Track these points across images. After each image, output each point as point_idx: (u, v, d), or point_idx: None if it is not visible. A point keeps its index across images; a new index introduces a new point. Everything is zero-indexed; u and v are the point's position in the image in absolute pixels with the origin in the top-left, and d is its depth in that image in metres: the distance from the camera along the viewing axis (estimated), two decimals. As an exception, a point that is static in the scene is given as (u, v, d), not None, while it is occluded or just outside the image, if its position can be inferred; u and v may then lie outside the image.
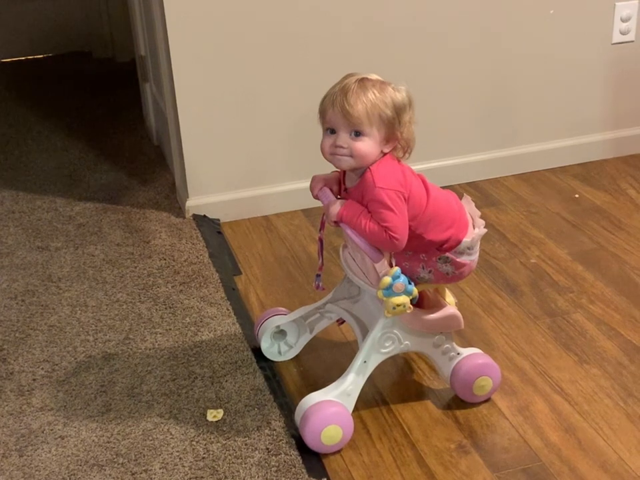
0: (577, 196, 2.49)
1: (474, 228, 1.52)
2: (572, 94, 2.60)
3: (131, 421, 1.60)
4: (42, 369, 1.77)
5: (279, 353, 1.78)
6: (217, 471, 1.48)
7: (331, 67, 2.17)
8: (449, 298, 1.63)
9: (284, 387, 1.71)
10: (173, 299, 2.00)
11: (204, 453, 1.51)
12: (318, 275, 1.64)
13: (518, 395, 1.67)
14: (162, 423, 1.59)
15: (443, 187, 1.54)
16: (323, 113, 1.46)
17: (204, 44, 2.22)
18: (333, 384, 1.54)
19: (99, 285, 2.07)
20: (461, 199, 1.57)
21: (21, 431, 1.59)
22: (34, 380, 1.73)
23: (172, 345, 1.83)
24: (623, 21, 2.54)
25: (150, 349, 1.82)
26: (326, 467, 1.50)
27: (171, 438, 1.55)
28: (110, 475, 1.48)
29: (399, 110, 1.43)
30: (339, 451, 1.53)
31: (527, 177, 2.62)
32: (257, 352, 1.78)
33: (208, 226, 2.37)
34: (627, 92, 2.66)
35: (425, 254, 1.50)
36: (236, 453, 1.51)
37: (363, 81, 1.42)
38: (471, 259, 1.51)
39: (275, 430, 1.56)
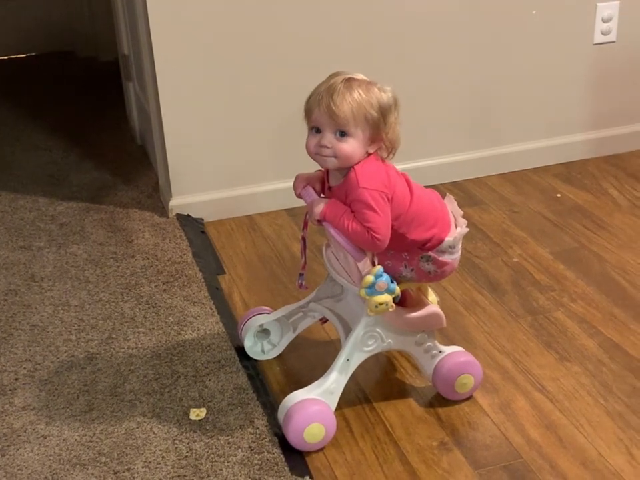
0: (558, 195, 2.51)
1: (456, 227, 1.53)
2: (554, 94, 2.62)
3: (114, 420, 1.60)
4: (24, 368, 1.76)
5: (262, 351, 1.78)
6: (199, 469, 1.48)
7: (316, 67, 2.16)
8: (432, 296, 1.64)
9: (267, 385, 1.71)
10: (156, 298, 2.00)
11: (187, 452, 1.52)
12: (301, 274, 1.64)
13: (499, 393, 1.68)
14: (145, 422, 1.59)
15: (427, 187, 1.55)
16: (308, 111, 1.46)
17: (187, 43, 2.22)
18: (316, 382, 1.54)
19: (81, 285, 2.07)
20: (443, 198, 1.57)
21: (2, 430, 1.58)
22: (16, 379, 1.73)
23: (155, 344, 1.83)
24: (605, 21, 2.56)
25: (133, 348, 1.82)
26: (309, 464, 1.50)
27: (154, 437, 1.55)
28: (92, 474, 1.47)
29: (384, 111, 1.43)
30: (321, 449, 1.53)
31: (510, 177, 2.63)
32: (240, 351, 1.79)
33: (191, 225, 2.36)
34: (608, 92, 2.68)
35: (408, 253, 1.51)
36: (219, 451, 1.52)
37: (349, 81, 1.42)
38: (452, 258, 1.52)
39: (257, 428, 1.57)
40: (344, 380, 1.55)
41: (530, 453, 1.52)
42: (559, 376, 1.72)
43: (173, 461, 1.50)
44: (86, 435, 1.56)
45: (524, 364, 1.76)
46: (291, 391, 1.54)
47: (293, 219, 2.40)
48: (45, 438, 1.56)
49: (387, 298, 1.45)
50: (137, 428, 1.58)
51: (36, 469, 1.49)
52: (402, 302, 1.58)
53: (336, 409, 1.54)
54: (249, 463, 1.49)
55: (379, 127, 1.43)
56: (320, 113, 1.42)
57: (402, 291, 1.52)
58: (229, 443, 1.53)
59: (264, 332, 1.77)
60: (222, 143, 2.36)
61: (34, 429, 1.58)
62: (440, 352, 1.62)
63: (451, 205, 1.57)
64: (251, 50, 2.28)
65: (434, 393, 1.67)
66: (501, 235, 2.29)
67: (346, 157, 1.43)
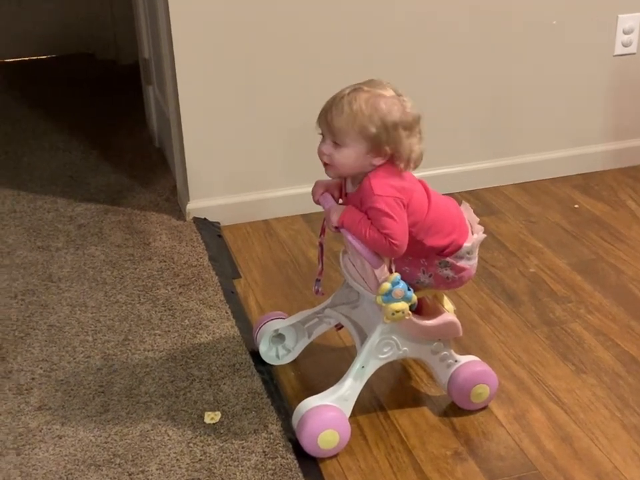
0: (576, 206, 2.50)
1: (472, 234, 1.53)
2: (573, 104, 2.61)
3: (129, 422, 1.61)
4: (41, 368, 1.77)
5: (277, 356, 1.79)
6: (213, 473, 1.48)
7: (332, 73, 2.17)
8: (448, 305, 1.64)
9: (281, 390, 1.71)
10: (172, 301, 2.01)
11: (201, 455, 1.52)
12: (317, 280, 1.65)
13: (515, 403, 1.67)
14: (159, 424, 1.60)
15: (443, 195, 1.55)
16: (318, 117, 1.48)
17: (208, 48, 2.23)
18: (331, 388, 1.54)
19: (98, 286, 2.08)
20: (459, 205, 1.58)
21: (18, 429, 1.59)
22: (32, 379, 1.74)
23: (170, 347, 1.83)
24: (626, 33, 2.56)
25: (149, 351, 1.82)
26: (322, 471, 1.50)
27: (168, 439, 1.56)
28: (107, 475, 1.48)
29: (388, 127, 1.41)
30: (335, 456, 1.53)
31: (527, 187, 2.63)
32: (255, 355, 1.79)
33: (208, 229, 2.37)
34: (628, 104, 2.67)
35: (426, 259, 1.51)
36: (233, 455, 1.52)
37: (356, 92, 1.42)
38: (470, 264, 1.52)
39: (272, 433, 1.57)
40: (359, 387, 1.55)
41: (545, 465, 1.51)
42: (574, 388, 1.71)
43: (187, 464, 1.50)
44: (101, 436, 1.57)
45: (539, 375, 1.75)
46: (305, 397, 1.54)
47: (309, 224, 2.41)
48: (60, 438, 1.57)
49: (403, 306, 1.45)
50: (152, 430, 1.58)
51: (51, 469, 1.49)
52: (418, 310, 1.57)
53: (350, 416, 1.54)
54: (263, 467, 1.49)
55: (379, 141, 1.42)
56: (321, 121, 1.45)
57: (418, 299, 1.52)
58: (243, 448, 1.53)
59: (279, 337, 1.77)
60: (240, 147, 2.37)
61: (49, 429, 1.59)
62: (456, 361, 1.62)
63: (467, 212, 1.57)
64: (270, 56, 2.29)
65: (449, 402, 1.66)
66: (518, 245, 2.28)
67: (338, 165, 1.44)
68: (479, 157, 2.60)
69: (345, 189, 1.53)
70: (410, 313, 1.47)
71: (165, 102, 2.58)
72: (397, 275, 1.44)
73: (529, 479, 1.48)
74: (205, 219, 2.41)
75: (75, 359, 1.80)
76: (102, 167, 2.79)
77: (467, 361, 1.62)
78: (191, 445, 1.54)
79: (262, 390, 1.68)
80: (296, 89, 2.34)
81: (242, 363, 1.77)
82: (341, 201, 1.54)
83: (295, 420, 1.54)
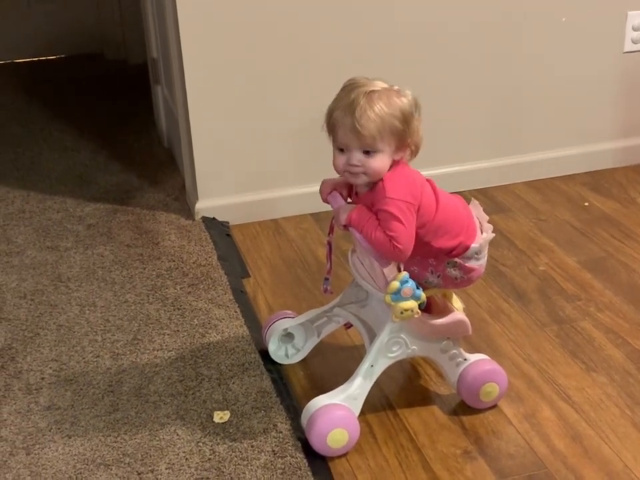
0: (586, 204, 2.49)
1: (482, 232, 1.53)
2: (582, 102, 2.60)
3: (138, 421, 1.61)
4: (50, 368, 1.78)
5: (286, 355, 1.78)
6: (222, 472, 1.48)
7: (340, 71, 2.17)
8: (457, 304, 1.63)
9: (291, 389, 1.71)
10: (181, 300, 2.01)
11: (210, 454, 1.52)
12: (326, 279, 1.64)
13: (524, 402, 1.67)
14: (169, 423, 1.60)
15: (452, 193, 1.54)
16: (331, 130, 1.45)
17: (216, 47, 2.24)
18: (340, 387, 1.54)
19: (107, 286, 2.08)
20: (468, 203, 1.57)
21: (28, 429, 1.60)
22: (42, 379, 1.74)
23: (180, 346, 1.83)
24: (635, 29, 2.54)
25: (158, 350, 1.82)
26: (331, 470, 1.50)
27: (178, 439, 1.56)
28: (116, 474, 1.48)
29: (407, 118, 1.42)
30: (344, 455, 1.53)
31: (537, 185, 2.62)
32: (264, 354, 1.79)
33: (217, 228, 2.37)
34: (638, 101, 2.65)
35: (434, 259, 1.51)
36: (242, 454, 1.52)
37: (370, 95, 1.40)
38: (479, 264, 1.52)
39: (281, 432, 1.57)
40: (368, 386, 1.55)
41: (555, 464, 1.50)
42: (584, 386, 1.71)
43: (197, 463, 1.50)
44: (110, 436, 1.57)
45: (549, 373, 1.75)
46: (315, 396, 1.54)
47: (318, 223, 2.40)
48: (70, 437, 1.57)
49: (412, 304, 1.45)
50: (161, 429, 1.58)
51: (60, 469, 1.50)
52: (427, 309, 1.57)
53: (359, 415, 1.54)
54: (272, 466, 1.49)
55: (404, 136, 1.42)
56: (345, 134, 1.41)
57: (427, 298, 1.51)
58: (252, 447, 1.53)
59: (288, 336, 1.77)
60: (248, 146, 2.37)
61: (59, 429, 1.59)
62: (465, 360, 1.61)
63: (476, 210, 1.57)
64: (279, 56, 2.29)
65: (458, 401, 1.66)
66: (528, 243, 2.27)
67: (376, 172, 1.43)
68: (488, 155, 2.59)
69: (356, 188, 1.52)
70: (419, 311, 1.46)
71: (173, 101, 2.58)
72: (405, 274, 1.44)
73: (539, 478, 1.48)
74: (213, 218, 2.41)
75: (84, 358, 1.80)
76: (111, 167, 2.80)
77: (477, 360, 1.62)
78: (200, 444, 1.54)
79: (271, 389, 1.68)
80: (304, 88, 2.34)
81: (251, 362, 1.77)
82: (349, 200, 1.54)
83: (304, 419, 1.54)
